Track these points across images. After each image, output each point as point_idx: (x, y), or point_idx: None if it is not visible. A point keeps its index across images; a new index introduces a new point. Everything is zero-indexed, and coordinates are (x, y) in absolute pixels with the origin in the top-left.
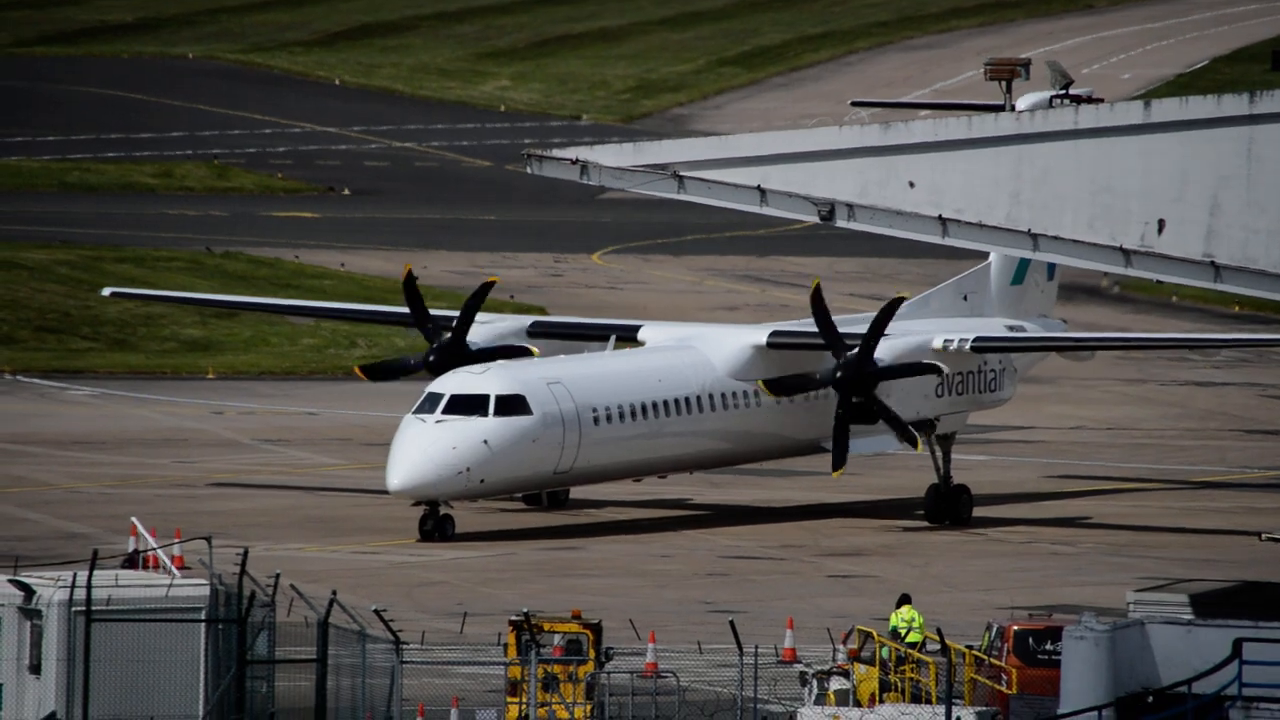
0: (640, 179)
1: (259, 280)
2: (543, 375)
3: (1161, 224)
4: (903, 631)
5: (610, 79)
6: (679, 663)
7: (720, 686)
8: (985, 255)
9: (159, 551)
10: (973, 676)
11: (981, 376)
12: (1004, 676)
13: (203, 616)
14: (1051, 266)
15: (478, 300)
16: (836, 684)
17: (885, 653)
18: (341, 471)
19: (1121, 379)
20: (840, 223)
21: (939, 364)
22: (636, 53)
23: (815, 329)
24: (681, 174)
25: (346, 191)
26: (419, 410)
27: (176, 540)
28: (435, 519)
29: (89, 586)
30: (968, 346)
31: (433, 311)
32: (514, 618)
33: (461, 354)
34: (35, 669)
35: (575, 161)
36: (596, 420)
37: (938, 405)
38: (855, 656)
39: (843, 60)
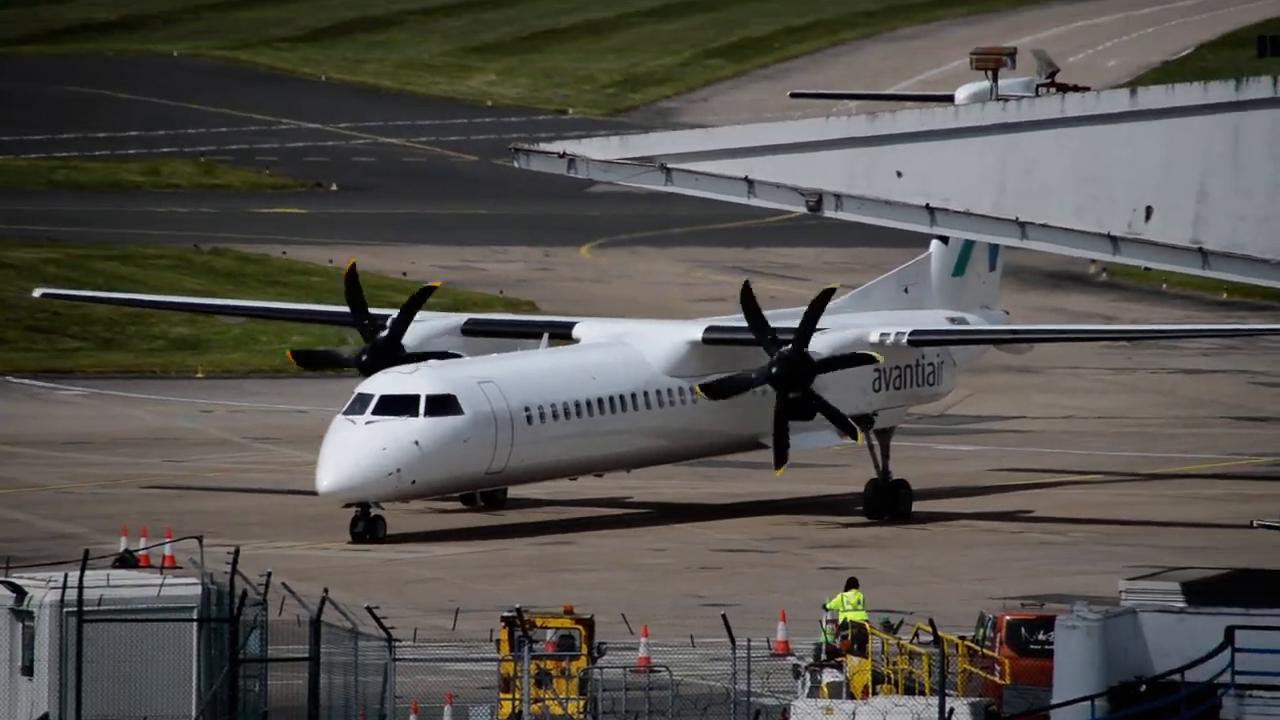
0: (628, 172)
1: (247, 277)
2: (474, 375)
3: (1149, 211)
4: (841, 615)
5: (596, 73)
6: (672, 657)
7: (713, 680)
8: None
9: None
10: (966, 667)
11: (920, 370)
12: (997, 667)
13: (195, 616)
14: (993, 257)
15: (416, 303)
16: (829, 676)
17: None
18: None
19: (1111, 368)
20: (828, 213)
21: (874, 354)
22: (622, 46)
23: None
24: (669, 166)
25: (334, 187)
26: (349, 411)
27: (167, 540)
28: (366, 520)
29: (80, 587)
30: (904, 340)
31: (375, 311)
32: (506, 613)
33: (395, 355)
34: (27, 670)
35: (563, 155)
36: (530, 419)
37: (875, 400)
38: (847, 649)
39: (829, 51)
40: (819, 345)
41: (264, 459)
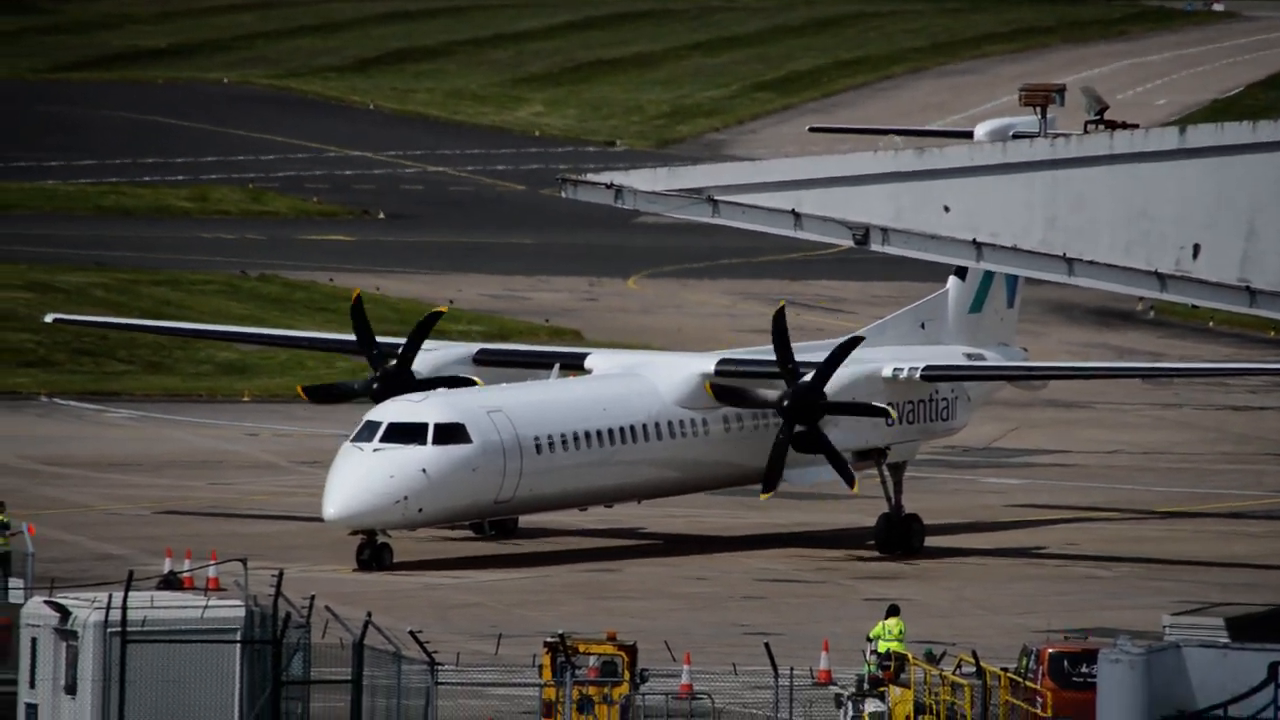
0: (675, 203)
1: (294, 304)
2: (483, 404)
3: (1197, 249)
4: (881, 646)
5: (644, 104)
6: (714, 684)
7: (755, 708)
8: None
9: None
10: (1008, 699)
11: (933, 405)
12: (1039, 699)
13: (238, 638)
14: (1012, 294)
15: (425, 329)
16: (872, 706)
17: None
18: None
19: (1158, 403)
20: (875, 246)
21: (888, 407)
22: (671, 78)
23: (762, 359)
24: (716, 198)
25: (381, 215)
26: (356, 439)
27: (212, 562)
28: (373, 548)
29: (124, 608)
30: (918, 375)
31: (391, 340)
32: (549, 639)
33: (406, 382)
34: (71, 690)
35: (610, 186)
36: (539, 449)
37: (888, 434)
38: (891, 679)
39: (877, 86)
40: (833, 383)
41: (309, 483)
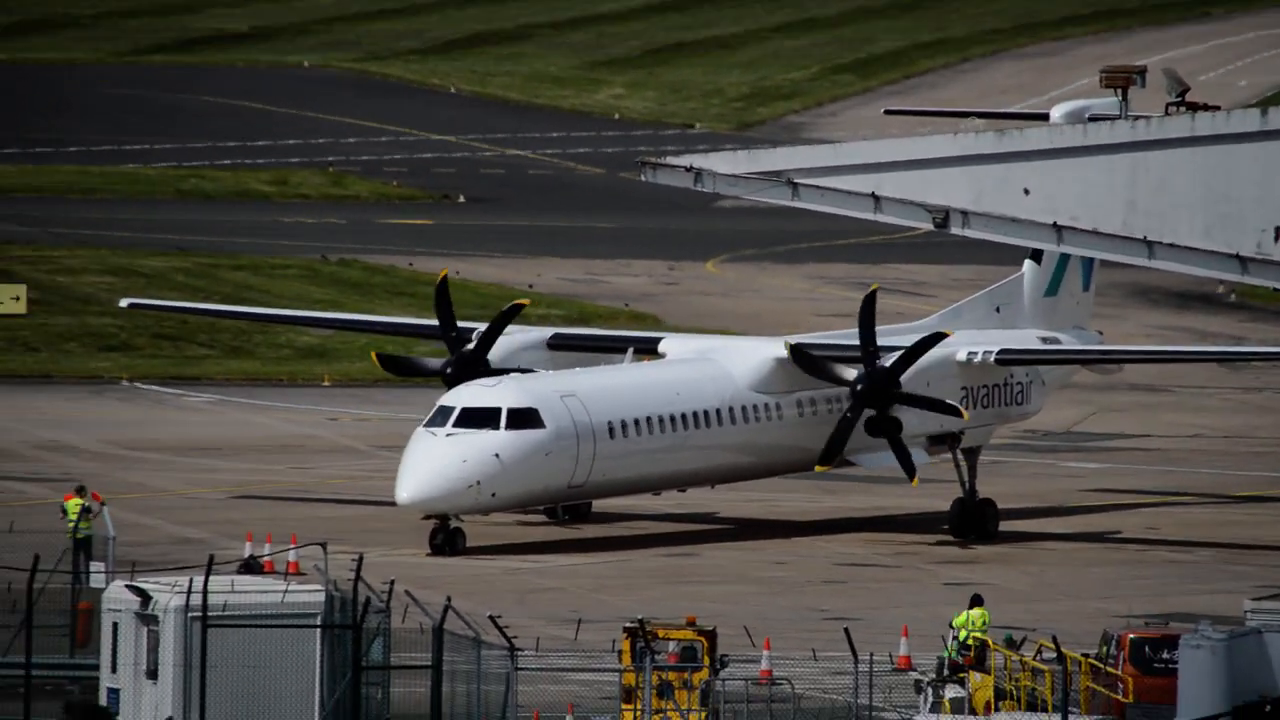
0: (754, 186)
1: (374, 288)
2: (556, 388)
3: (1278, 231)
4: (961, 634)
5: (724, 87)
6: (794, 670)
7: (835, 694)
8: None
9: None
10: (1089, 685)
11: (1008, 389)
12: (1120, 685)
13: (318, 622)
14: (1087, 277)
15: (505, 319)
16: (952, 692)
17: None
18: None
19: (1239, 387)
20: (955, 230)
21: (960, 407)
22: (750, 60)
23: (837, 343)
24: (796, 181)
25: (461, 199)
26: (430, 423)
27: (292, 546)
28: (445, 533)
29: (205, 592)
30: (992, 359)
31: (469, 325)
32: (629, 624)
33: (479, 368)
34: (152, 674)
35: (690, 169)
36: (612, 433)
37: (962, 419)
38: (970, 665)
39: (957, 68)
40: (909, 373)
41: (388, 467)
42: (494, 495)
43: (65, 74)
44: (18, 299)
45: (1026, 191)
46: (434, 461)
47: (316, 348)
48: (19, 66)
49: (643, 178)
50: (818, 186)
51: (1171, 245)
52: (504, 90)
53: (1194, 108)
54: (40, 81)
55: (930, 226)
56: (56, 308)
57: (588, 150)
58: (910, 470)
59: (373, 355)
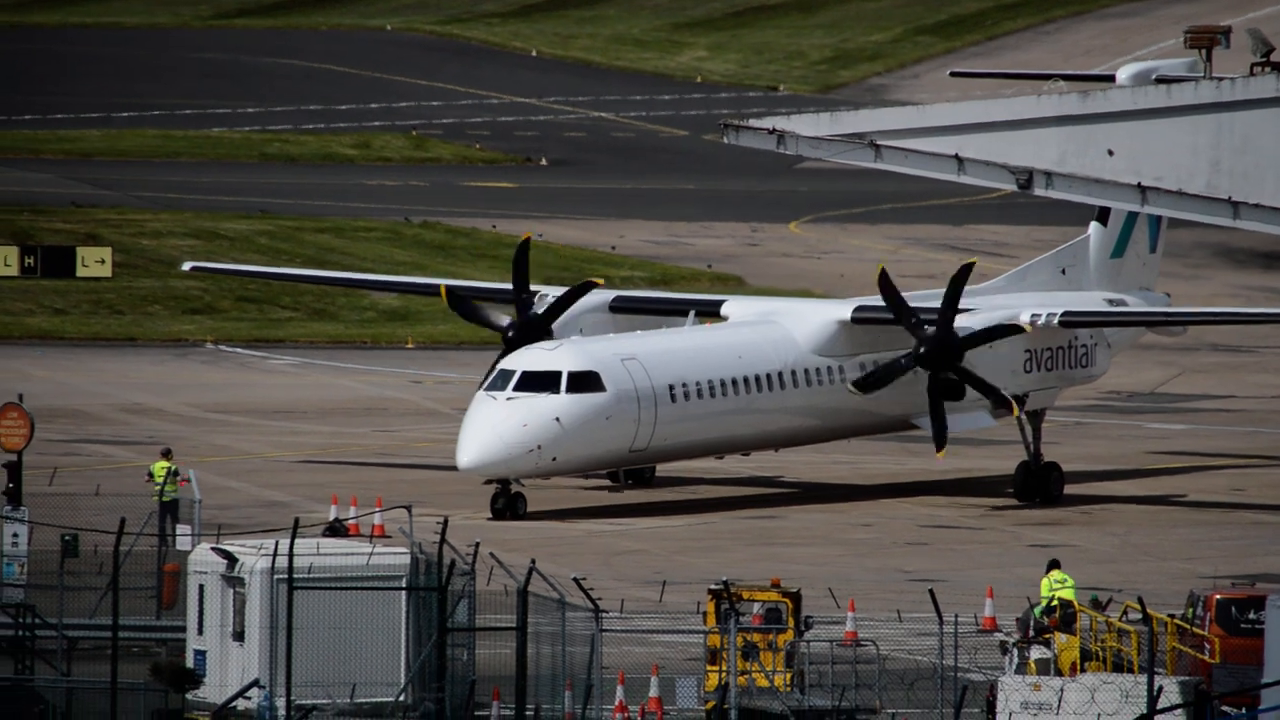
0: (837, 148)
1: (456, 250)
2: (617, 351)
3: None
4: (1052, 598)
5: (807, 49)
6: (879, 631)
7: (920, 655)
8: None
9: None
10: (1175, 646)
11: (1072, 351)
12: (1207, 646)
13: (404, 585)
14: (1154, 239)
15: (576, 294)
16: (1037, 653)
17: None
18: None
19: None
20: (1038, 191)
21: (1019, 324)
22: (833, 22)
23: (914, 305)
24: (878, 143)
25: (544, 162)
26: (490, 387)
27: (377, 509)
28: (506, 497)
29: (290, 555)
30: (1055, 321)
31: (544, 289)
32: (713, 586)
33: (541, 334)
34: (239, 636)
35: (772, 131)
36: (674, 397)
37: (1026, 381)
38: (1055, 626)
39: (1040, 29)
40: (965, 323)
41: None
42: (555, 460)
43: (149, 38)
44: (103, 262)
45: (1110, 153)
46: (495, 426)
47: (400, 310)
48: (104, 30)
49: (726, 140)
50: (900, 148)
51: (1256, 205)
52: (586, 53)
53: (1278, 68)
54: (125, 45)
55: (1013, 188)
56: (141, 271)
57: (670, 113)
58: (1006, 403)
59: (442, 289)
